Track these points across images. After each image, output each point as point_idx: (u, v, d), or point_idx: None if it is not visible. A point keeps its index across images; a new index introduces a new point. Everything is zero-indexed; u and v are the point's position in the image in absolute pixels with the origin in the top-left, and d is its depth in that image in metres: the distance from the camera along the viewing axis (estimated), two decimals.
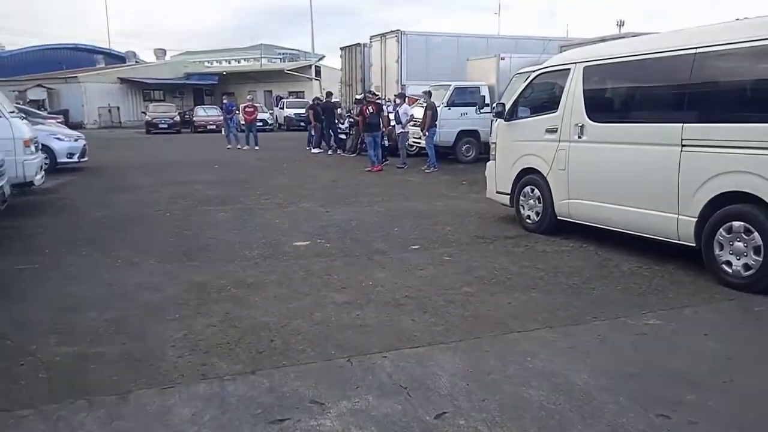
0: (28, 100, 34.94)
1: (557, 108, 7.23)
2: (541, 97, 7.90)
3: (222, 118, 25.18)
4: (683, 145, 5.72)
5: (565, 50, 10.97)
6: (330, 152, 19.71)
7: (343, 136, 19.83)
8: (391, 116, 16.23)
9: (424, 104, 15.09)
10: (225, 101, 23.84)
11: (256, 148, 21.16)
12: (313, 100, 22.59)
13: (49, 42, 53.78)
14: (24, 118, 10.78)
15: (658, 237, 6.16)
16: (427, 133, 14.78)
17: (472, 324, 4.55)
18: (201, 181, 12.84)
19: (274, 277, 5.80)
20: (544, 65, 8.00)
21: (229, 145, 21.85)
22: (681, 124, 5.74)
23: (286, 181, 13.21)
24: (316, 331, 4.41)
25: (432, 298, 5.14)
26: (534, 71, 8.22)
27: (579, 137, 6.92)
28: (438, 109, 15.17)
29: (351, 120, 19.46)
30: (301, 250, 6.91)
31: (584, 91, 6.91)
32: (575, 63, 7.13)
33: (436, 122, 14.88)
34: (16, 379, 3.65)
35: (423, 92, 15.54)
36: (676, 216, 5.82)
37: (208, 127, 32.73)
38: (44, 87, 39.87)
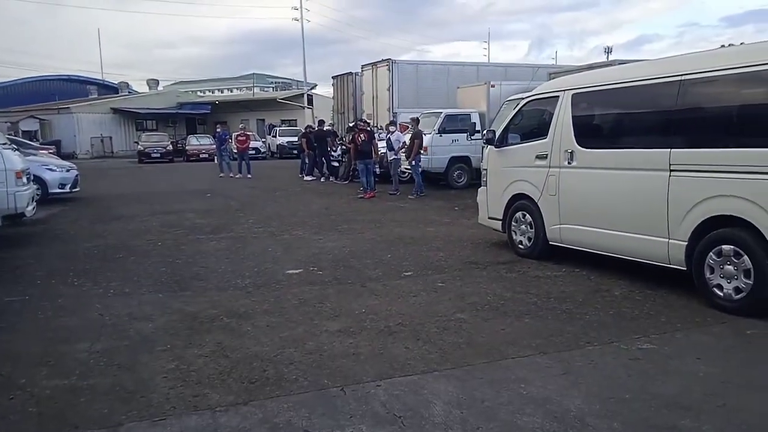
0: (20, 131, 35.00)
1: (547, 134, 7.31)
2: (531, 124, 7.98)
3: (215, 146, 25.25)
4: (671, 170, 5.79)
5: (554, 77, 11.15)
6: (323, 180, 19.80)
7: (336, 164, 19.95)
8: (381, 143, 16.35)
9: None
10: (219, 130, 23.89)
11: (249, 176, 21.21)
12: (306, 129, 22.74)
13: (44, 74, 54.09)
14: (16, 149, 10.80)
15: (649, 261, 6.19)
16: (414, 162, 14.88)
17: (466, 351, 4.54)
18: (193, 210, 12.85)
19: (266, 306, 5.77)
20: (534, 92, 8.10)
21: (221, 174, 21.96)
22: (669, 150, 5.80)
23: (278, 209, 13.22)
24: (309, 360, 4.38)
25: (425, 325, 5.13)
26: (524, 98, 8.33)
27: (569, 163, 6.99)
28: (429, 136, 15.29)
29: (343, 147, 19.59)
30: (294, 279, 6.89)
31: (573, 117, 6.99)
32: (564, 90, 7.23)
33: (421, 150, 14.97)
34: (5, 413, 3.61)
35: (411, 119, 15.68)
36: (667, 240, 5.86)
37: (201, 156, 33.02)
38: (37, 118, 40.02)
